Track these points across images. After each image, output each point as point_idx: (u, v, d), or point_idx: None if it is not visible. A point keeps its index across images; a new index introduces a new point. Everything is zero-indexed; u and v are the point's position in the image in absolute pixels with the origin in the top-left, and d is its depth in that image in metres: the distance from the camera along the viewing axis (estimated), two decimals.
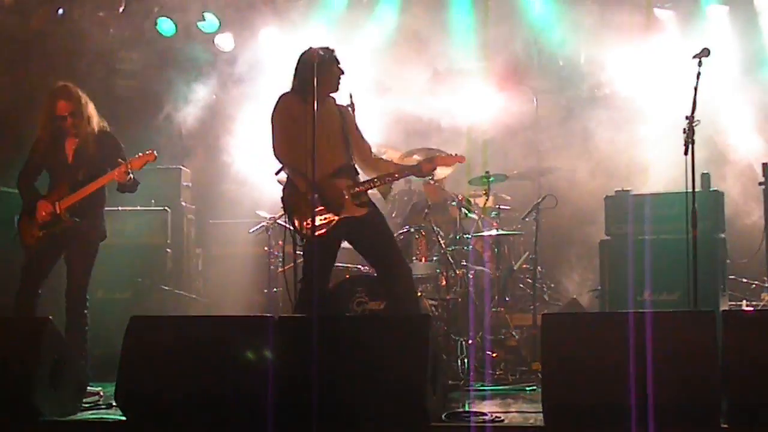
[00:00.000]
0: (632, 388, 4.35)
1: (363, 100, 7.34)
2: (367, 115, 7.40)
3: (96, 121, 6.20)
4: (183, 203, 8.18)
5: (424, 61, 8.59)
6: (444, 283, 6.87)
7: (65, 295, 6.10)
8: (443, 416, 4.89)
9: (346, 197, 5.54)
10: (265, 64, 8.41)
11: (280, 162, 5.54)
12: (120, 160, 6.03)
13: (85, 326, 6.10)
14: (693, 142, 5.64)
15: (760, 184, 7.03)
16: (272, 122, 5.61)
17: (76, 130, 6.13)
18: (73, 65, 8.14)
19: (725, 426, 4.40)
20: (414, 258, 6.94)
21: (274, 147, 5.55)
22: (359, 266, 6.97)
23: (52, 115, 6.12)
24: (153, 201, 7.91)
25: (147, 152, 6.09)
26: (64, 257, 6.12)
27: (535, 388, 5.98)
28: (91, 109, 6.19)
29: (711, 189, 6.90)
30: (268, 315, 7.01)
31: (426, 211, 7.22)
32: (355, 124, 5.84)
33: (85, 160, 6.11)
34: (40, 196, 6.11)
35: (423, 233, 6.96)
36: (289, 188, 5.56)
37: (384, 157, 8.52)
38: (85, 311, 6.10)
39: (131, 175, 6.00)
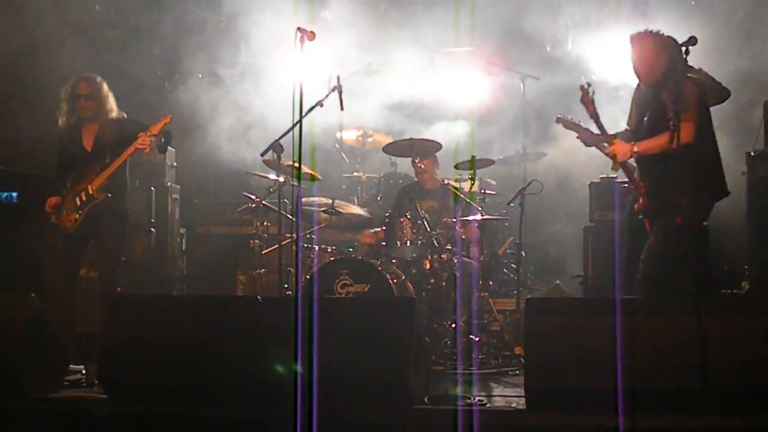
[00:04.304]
0: (614, 373, 4.38)
1: (351, 83, 7.38)
2: (354, 98, 7.41)
3: (115, 110, 6.42)
4: (168, 183, 8.15)
5: (411, 45, 8.56)
6: (428, 267, 6.87)
7: (99, 275, 6.38)
8: (425, 399, 4.91)
9: None
10: (252, 43, 8.35)
11: None
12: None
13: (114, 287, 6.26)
14: (679, 132, 5.66)
15: (743, 173, 7.07)
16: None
17: (93, 113, 6.31)
18: (59, 42, 8.06)
19: (707, 412, 4.44)
20: (399, 242, 6.94)
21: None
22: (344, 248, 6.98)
23: (72, 98, 6.32)
24: (137, 181, 7.86)
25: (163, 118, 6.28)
26: (95, 235, 6.31)
27: (517, 372, 6.01)
28: (111, 99, 6.41)
29: None
30: (252, 296, 7.05)
31: (412, 194, 7.23)
32: None
33: (105, 147, 6.31)
34: (67, 190, 6.36)
35: (408, 216, 6.96)
36: None
37: (370, 141, 8.59)
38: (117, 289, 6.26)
39: (153, 139, 6.23)
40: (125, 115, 6.47)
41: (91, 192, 6.26)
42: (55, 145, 6.50)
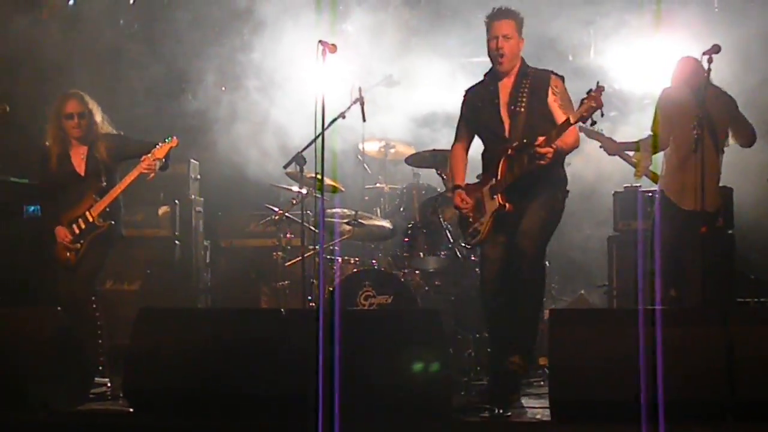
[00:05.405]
0: (639, 384, 4.34)
1: (372, 95, 7.40)
2: (376, 110, 7.42)
3: (105, 126, 6.18)
4: (192, 196, 8.20)
5: (433, 56, 8.56)
6: (451, 277, 6.85)
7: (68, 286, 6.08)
8: (450, 411, 4.88)
9: None
10: (274, 56, 8.40)
11: None
12: (144, 155, 5.97)
13: (94, 319, 6.08)
14: (702, 139, 5.63)
15: None
16: None
17: (83, 133, 6.08)
18: (82, 55, 8.15)
19: (734, 422, 4.40)
20: (422, 252, 6.93)
21: None
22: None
23: (61, 117, 6.09)
24: (162, 194, 7.92)
25: (168, 139, 6.02)
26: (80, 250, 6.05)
27: (542, 383, 5.97)
28: (99, 114, 6.17)
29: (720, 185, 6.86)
30: (275, 308, 7.06)
31: (435, 205, 7.21)
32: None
33: (99, 168, 6.06)
34: (59, 220, 6.06)
35: (432, 227, 6.95)
36: None
37: (393, 152, 8.58)
38: (93, 305, 6.08)
39: (158, 164, 5.96)
40: (110, 128, 6.20)
41: (91, 219, 5.97)
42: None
